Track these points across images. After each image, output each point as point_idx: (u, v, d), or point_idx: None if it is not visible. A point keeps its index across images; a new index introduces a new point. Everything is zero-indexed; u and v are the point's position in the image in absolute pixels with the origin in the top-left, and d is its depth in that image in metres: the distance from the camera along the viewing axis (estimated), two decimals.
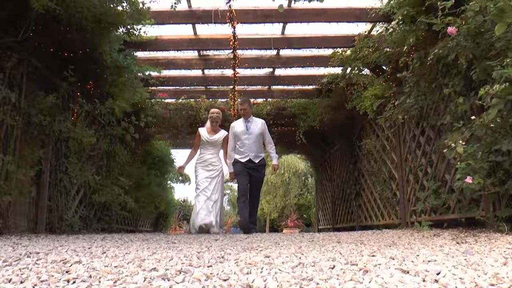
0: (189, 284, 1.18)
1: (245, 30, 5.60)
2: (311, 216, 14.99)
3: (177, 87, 7.64)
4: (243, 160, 5.52)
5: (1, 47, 3.48)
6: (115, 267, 1.46)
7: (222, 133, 5.94)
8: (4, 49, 3.51)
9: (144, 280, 1.22)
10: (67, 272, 1.36)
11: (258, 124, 5.62)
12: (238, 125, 5.65)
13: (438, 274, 1.29)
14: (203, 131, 5.93)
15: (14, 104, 3.63)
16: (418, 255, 1.82)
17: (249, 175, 5.53)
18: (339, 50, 5.92)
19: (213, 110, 6.01)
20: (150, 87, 6.79)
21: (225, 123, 6.40)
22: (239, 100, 5.89)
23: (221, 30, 5.58)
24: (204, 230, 5.44)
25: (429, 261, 1.60)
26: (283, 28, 5.82)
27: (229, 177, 5.78)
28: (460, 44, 3.20)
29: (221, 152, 6.11)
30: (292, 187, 17.55)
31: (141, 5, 4.27)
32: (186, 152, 5.99)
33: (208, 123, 6.00)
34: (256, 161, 5.52)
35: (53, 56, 4.26)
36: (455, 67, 3.62)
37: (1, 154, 3.35)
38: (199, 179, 5.79)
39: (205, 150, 5.91)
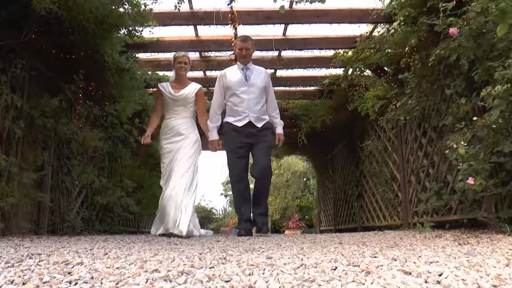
0: (191, 286, 1.18)
1: (246, 32, 5.62)
2: (313, 217, 14.98)
3: None
4: (239, 124, 3.91)
5: (3, 49, 3.49)
6: (117, 268, 1.46)
7: (193, 87, 4.32)
8: (7, 51, 3.52)
9: (146, 281, 1.22)
10: (69, 273, 1.36)
11: (261, 74, 4.12)
12: (232, 73, 4.09)
13: (440, 275, 1.28)
14: (164, 86, 4.31)
15: (17, 106, 3.64)
16: (420, 256, 1.81)
17: (249, 148, 3.94)
18: (341, 51, 5.92)
19: (179, 52, 4.41)
20: (151, 89, 6.81)
21: None
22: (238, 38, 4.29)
23: (223, 32, 5.59)
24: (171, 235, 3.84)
25: (431, 262, 1.60)
26: (285, 29, 5.83)
27: (210, 147, 4.21)
28: (461, 45, 3.20)
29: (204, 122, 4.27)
30: (293, 188, 17.56)
31: (143, 7, 4.28)
32: None
33: (172, 74, 4.46)
34: (259, 124, 3.94)
35: (55, 58, 4.27)
36: (457, 68, 3.62)
37: (3, 156, 3.36)
38: (165, 160, 4.22)
39: (171, 113, 4.26)
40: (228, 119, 4.02)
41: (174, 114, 4.24)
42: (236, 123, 3.94)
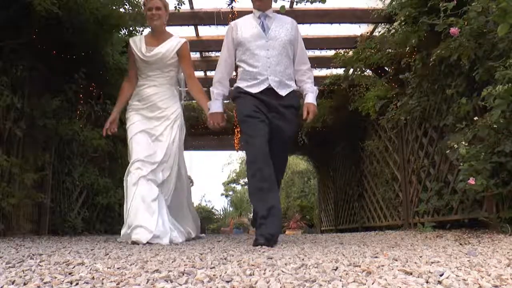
0: (192, 286, 1.18)
1: None
2: (313, 217, 14.97)
3: (179, 88, 7.65)
4: (254, 91, 2.78)
5: (4, 50, 3.50)
6: (118, 268, 1.46)
7: (174, 42, 3.20)
8: (7, 52, 3.53)
9: (147, 281, 1.22)
10: (70, 273, 1.36)
11: (285, 25, 2.93)
12: (245, 24, 2.99)
13: (441, 275, 1.28)
14: (136, 41, 3.21)
15: (17, 107, 3.65)
16: (421, 256, 1.81)
17: (269, 124, 2.73)
18: (341, 51, 5.92)
19: None
20: None
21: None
22: None
23: (223, 32, 5.57)
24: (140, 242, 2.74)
25: (432, 263, 1.60)
26: None
27: (209, 123, 2.95)
28: (462, 45, 3.20)
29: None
30: (294, 188, 17.56)
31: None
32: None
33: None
34: (283, 93, 2.79)
35: (56, 58, 4.27)
36: (458, 68, 3.62)
37: (4, 157, 3.36)
38: (132, 133, 3.08)
39: (144, 79, 3.21)
40: (240, 83, 2.88)
41: (147, 80, 3.19)
42: (249, 89, 2.80)
